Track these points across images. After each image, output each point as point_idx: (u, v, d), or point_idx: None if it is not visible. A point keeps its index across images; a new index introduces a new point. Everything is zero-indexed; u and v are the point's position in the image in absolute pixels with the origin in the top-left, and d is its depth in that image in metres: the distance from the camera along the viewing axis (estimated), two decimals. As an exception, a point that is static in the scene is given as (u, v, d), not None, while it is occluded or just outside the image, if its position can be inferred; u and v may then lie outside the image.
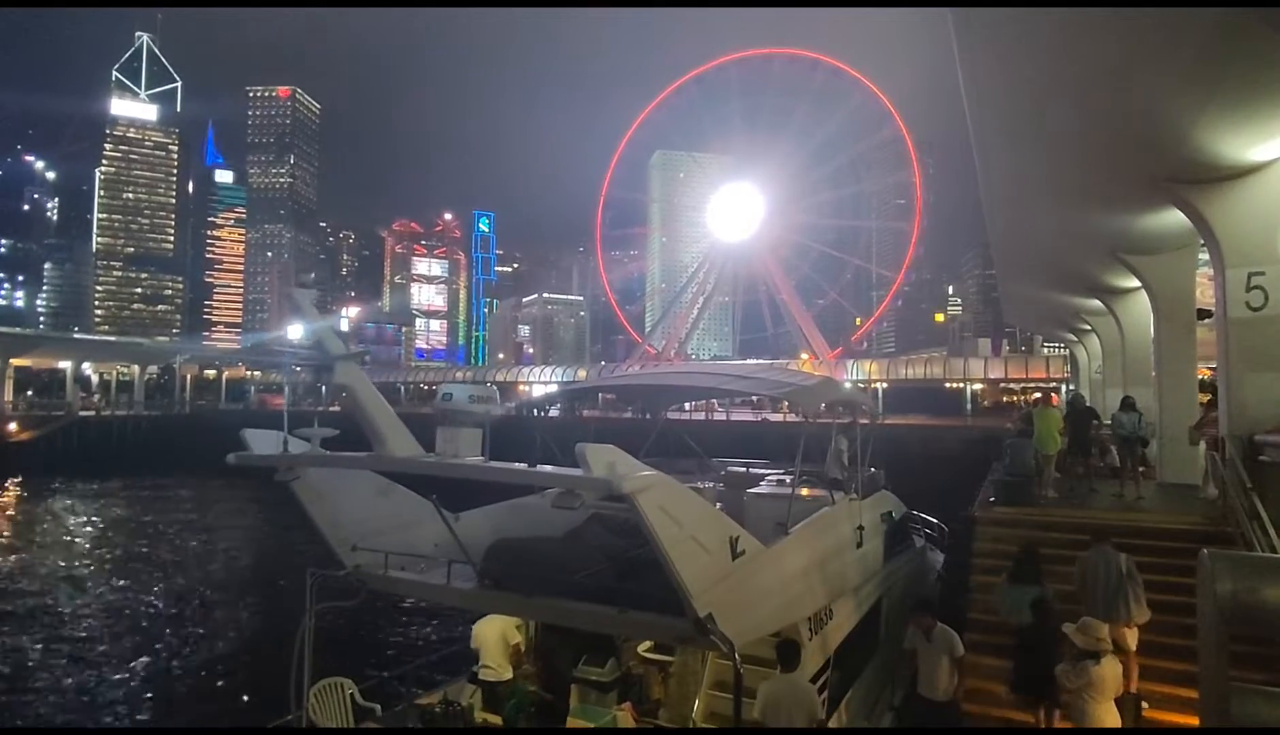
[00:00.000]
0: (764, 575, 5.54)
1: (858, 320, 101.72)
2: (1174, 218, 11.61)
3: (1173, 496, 12.35)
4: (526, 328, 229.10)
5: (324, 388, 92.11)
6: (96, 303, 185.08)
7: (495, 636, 7.44)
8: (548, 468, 4.82)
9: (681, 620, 4.61)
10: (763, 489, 8.62)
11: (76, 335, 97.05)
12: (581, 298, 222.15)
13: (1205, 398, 14.81)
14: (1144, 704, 6.45)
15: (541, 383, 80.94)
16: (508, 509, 7.50)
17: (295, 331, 6.31)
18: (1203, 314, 15.26)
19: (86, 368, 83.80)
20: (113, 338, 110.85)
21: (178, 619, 19.53)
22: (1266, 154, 9.59)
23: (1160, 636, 7.20)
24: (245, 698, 13.85)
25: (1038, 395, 18.02)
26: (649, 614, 4.97)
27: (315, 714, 6.62)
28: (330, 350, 5.78)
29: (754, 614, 5.34)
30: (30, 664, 15.60)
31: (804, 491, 7.71)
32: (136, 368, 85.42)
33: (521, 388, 77.36)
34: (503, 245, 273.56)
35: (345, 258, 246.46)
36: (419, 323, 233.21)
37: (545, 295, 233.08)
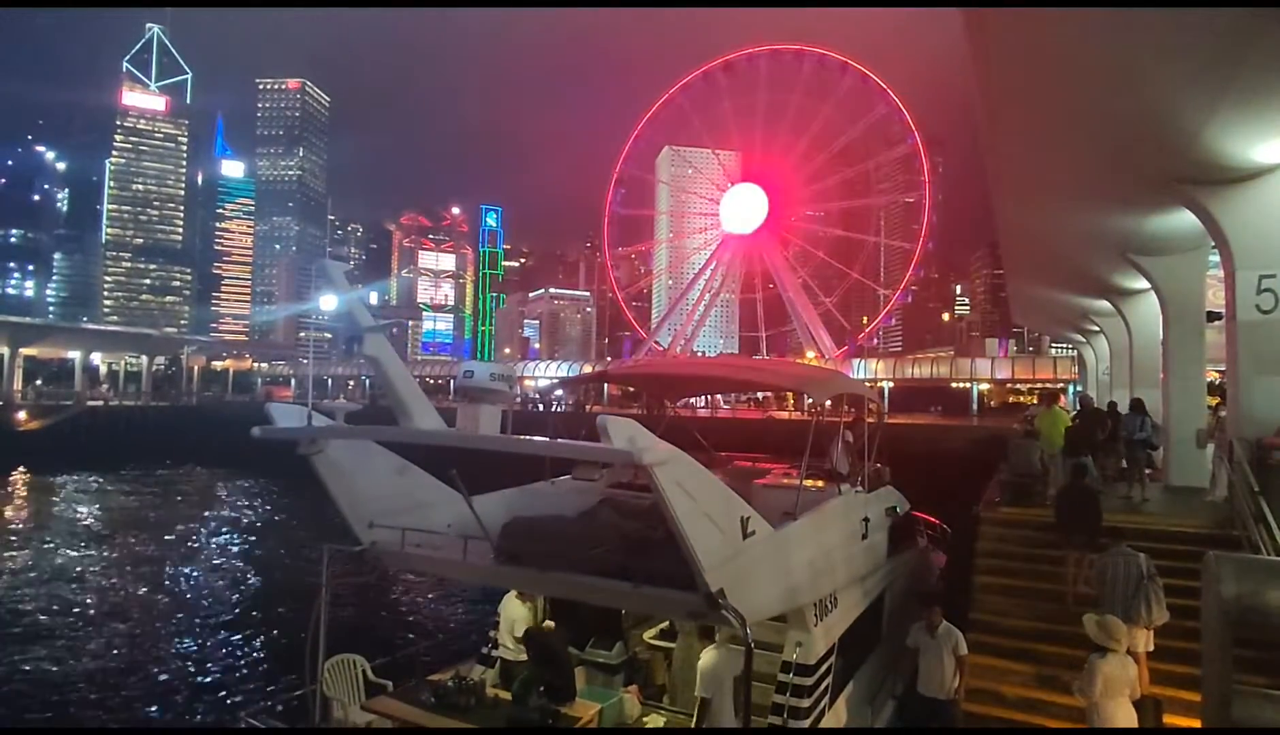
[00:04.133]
0: (772, 557, 5.62)
1: (864, 320, 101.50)
2: (1184, 219, 11.55)
3: (1179, 499, 12.28)
4: (533, 322, 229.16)
5: (330, 381, 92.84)
6: (105, 293, 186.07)
7: (522, 617, 7.56)
8: (569, 441, 4.95)
9: (693, 595, 4.66)
10: (769, 481, 8.67)
11: (85, 325, 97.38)
12: (588, 293, 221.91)
13: (1215, 400, 14.74)
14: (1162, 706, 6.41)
15: (547, 378, 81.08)
16: (520, 494, 7.58)
17: (328, 303, 6.51)
18: (1212, 316, 15.17)
19: (95, 358, 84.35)
20: (121, 328, 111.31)
21: (191, 599, 19.82)
22: (1278, 156, 9.53)
23: (1163, 639, 7.17)
24: (260, 672, 14.04)
25: (1040, 396, 17.98)
26: (662, 589, 5.03)
27: (328, 689, 6.73)
28: (360, 321, 5.87)
29: (762, 594, 5.41)
30: (43, 647, 15.74)
31: (811, 483, 7.75)
32: (144, 358, 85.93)
33: (528, 382, 77.46)
34: (510, 240, 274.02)
35: (353, 250, 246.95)
36: (425, 316, 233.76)
37: (552, 290, 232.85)
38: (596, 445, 4.42)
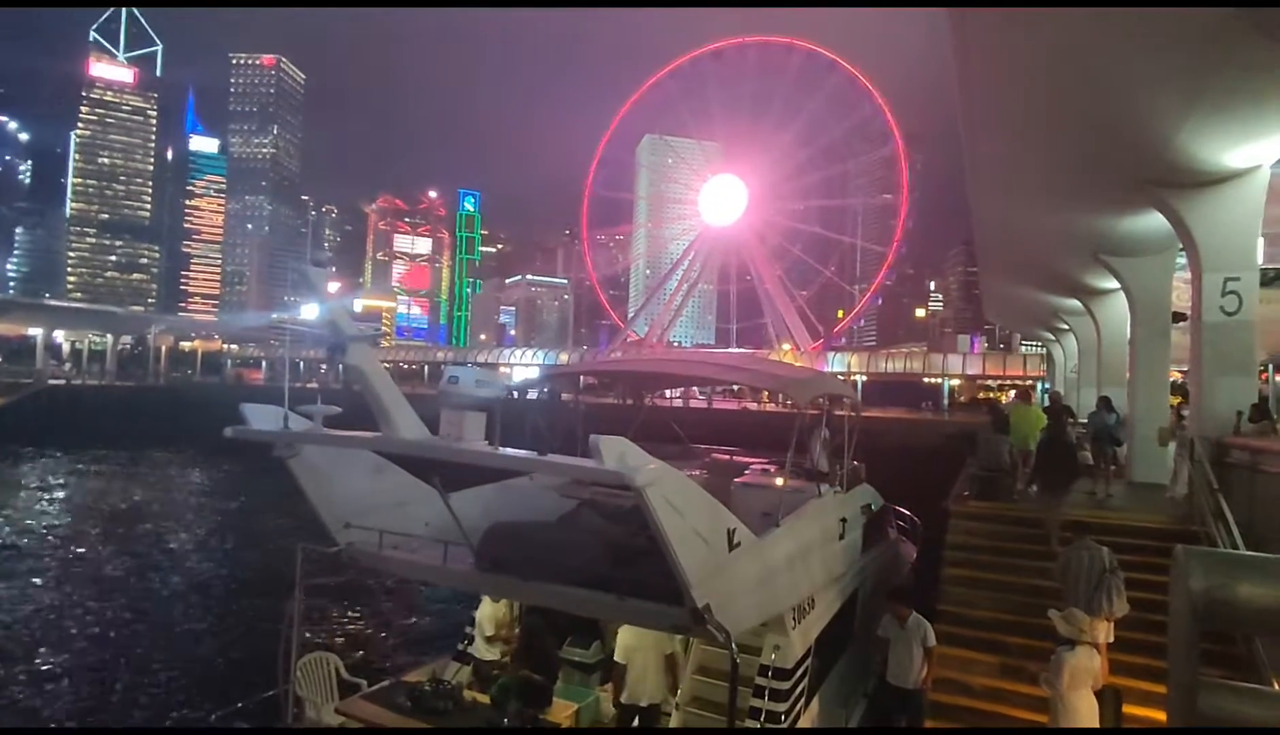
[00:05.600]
0: (756, 566, 5.60)
1: (840, 313, 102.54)
2: (1155, 221, 11.77)
3: (1142, 495, 12.55)
4: (510, 309, 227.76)
5: (302, 364, 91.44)
6: (69, 269, 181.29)
7: (495, 617, 7.56)
8: (559, 457, 4.83)
9: (679, 609, 4.65)
10: (749, 479, 8.68)
11: (48, 301, 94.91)
12: (566, 281, 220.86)
13: (1177, 400, 15.10)
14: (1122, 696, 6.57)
15: (523, 366, 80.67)
16: (498, 490, 7.50)
17: (309, 310, 6.36)
18: (1177, 317, 15.52)
19: (58, 336, 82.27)
20: (85, 305, 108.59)
21: (157, 592, 19.29)
22: (1247, 161, 9.75)
23: (1123, 631, 7.34)
24: (230, 670, 13.76)
25: (1014, 393, 18.32)
26: (647, 602, 5.00)
27: (301, 688, 6.65)
28: (344, 330, 5.74)
29: (746, 603, 5.39)
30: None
31: (790, 483, 7.80)
32: (109, 337, 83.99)
33: (503, 370, 77.02)
34: (487, 225, 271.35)
35: (327, 232, 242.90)
36: (400, 301, 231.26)
37: (529, 277, 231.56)
38: (587, 464, 4.35)
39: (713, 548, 4.89)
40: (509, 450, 4.93)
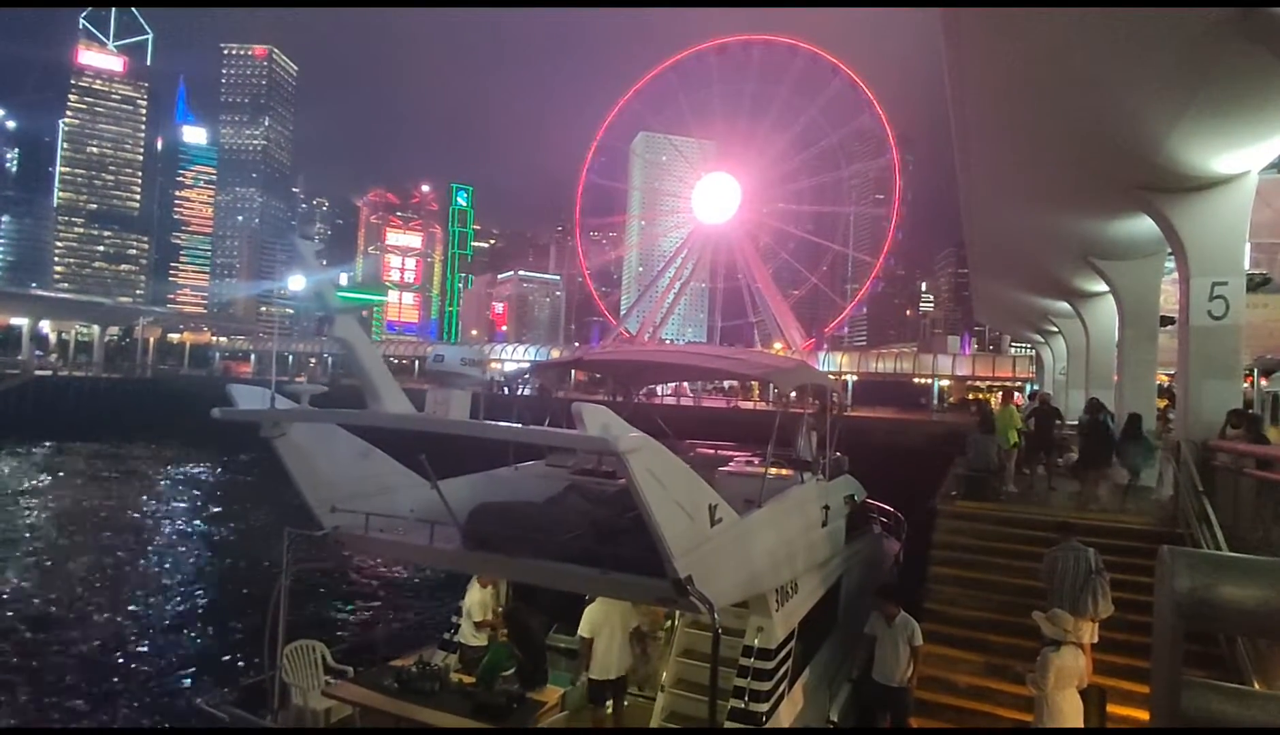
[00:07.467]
0: (738, 544, 5.66)
1: (831, 314, 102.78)
2: (1144, 225, 11.86)
3: (1127, 497, 12.66)
4: (501, 305, 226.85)
5: (291, 358, 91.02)
6: (56, 259, 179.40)
7: (482, 604, 7.57)
8: (543, 428, 4.89)
9: (662, 581, 4.68)
10: (733, 468, 8.74)
11: (34, 291, 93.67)
12: (558, 277, 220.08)
13: (1163, 403, 15.24)
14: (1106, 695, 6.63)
15: (514, 362, 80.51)
16: (484, 479, 7.53)
17: (297, 282, 6.37)
18: (1165, 321, 15.65)
19: (44, 326, 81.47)
20: (72, 296, 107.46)
21: (145, 581, 19.20)
22: (1235, 167, 9.82)
23: (1106, 631, 7.41)
24: (218, 657, 13.75)
25: (999, 394, 18.46)
26: (630, 575, 5.04)
27: (288, 675, 6.64)
28: (329, 302, 5.73)
29: (727, 580, 5.44)
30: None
31: (774, 471, 7.84)
32: (97, 328, 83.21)
33: (494, 364, 76.77)
34: (480, 220, 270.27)
35: (318, 225, 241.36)
36: (391, 295, 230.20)
37: (521, 273, 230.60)
38: (571, 432, 4.42)
39: (694, 521, 4.95)
40: (494, 422, 4.96)
